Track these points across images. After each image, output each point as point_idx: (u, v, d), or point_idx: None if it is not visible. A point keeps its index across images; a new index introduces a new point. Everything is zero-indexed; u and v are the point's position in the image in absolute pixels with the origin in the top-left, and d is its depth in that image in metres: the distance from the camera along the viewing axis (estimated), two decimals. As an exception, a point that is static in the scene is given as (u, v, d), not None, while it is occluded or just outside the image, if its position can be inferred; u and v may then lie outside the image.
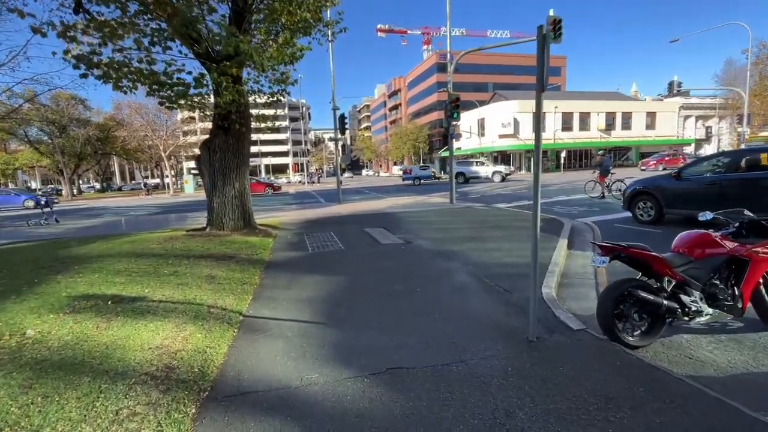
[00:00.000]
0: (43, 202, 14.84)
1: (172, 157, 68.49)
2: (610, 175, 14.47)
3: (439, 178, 36.59)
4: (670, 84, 28.58)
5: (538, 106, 3.02)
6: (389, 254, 6.70)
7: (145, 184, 38.53)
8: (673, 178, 8.06)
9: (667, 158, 34.42)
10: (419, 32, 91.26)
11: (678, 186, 7.98)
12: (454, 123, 14.06)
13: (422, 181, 32.96)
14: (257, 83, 8.61)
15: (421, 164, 37.27)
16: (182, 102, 7.34)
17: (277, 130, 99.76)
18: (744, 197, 6.79)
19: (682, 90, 29.12)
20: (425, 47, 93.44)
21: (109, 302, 4.21)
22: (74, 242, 8.29)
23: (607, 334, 3.23)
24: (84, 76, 5.82)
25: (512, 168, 41.83)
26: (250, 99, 8.69)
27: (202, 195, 32.90)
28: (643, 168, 34.67)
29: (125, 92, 7.06)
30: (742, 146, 25.28)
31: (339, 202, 17.10)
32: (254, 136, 76.14)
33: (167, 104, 7.27)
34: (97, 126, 37.02)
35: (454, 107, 13.66)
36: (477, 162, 32.73)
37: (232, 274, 5.38)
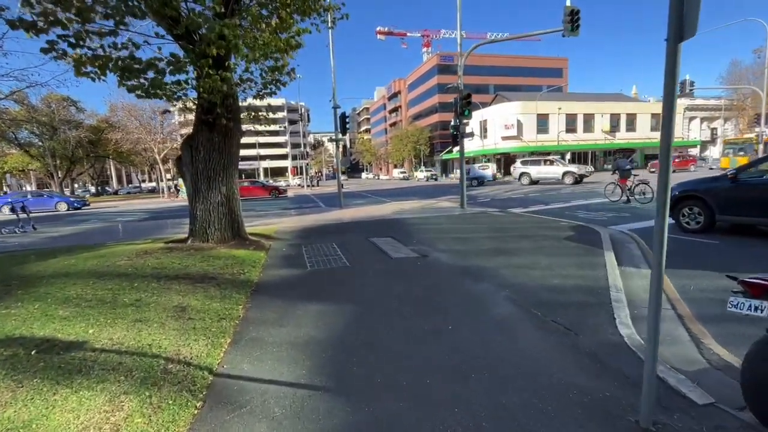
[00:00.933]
0: (19, 208, 13.69)
1: (169, 160, 67.50)
2: (632, 176, 13.17)
3: (496, 178, 30.72)
4: (682, 83, 27.58)
5: (671, 63, 1.90)
6: (404, 272, 5.58)
7: (175, 186, 36.58)
8: (728, 180, 6.99)
9: (677, 159, 33.42)
10: (419, 35, 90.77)
11: (735, 189, 6.90)
12: (465, 121, 12.98)
13: (485, 182, 28.49)
14: (248, 71, 7.48)
15: (482, 163, 32.15)
16: (158, 92, 6.24)
17: (276, 133, 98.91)
18: None
19: (695, 88, 28.14)
20: (425, 50, 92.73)
21: (34, 351, 3.08)
22: (34, 256, 7.14)
23: (762, 418, 2.10)
24: (12, 26, 4.61)
25: (591, 168, 36.68)
26: (240, 91, 7.57)
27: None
28: (652, 170, 33.67)
29: (93, 79, 5.96)
30: (760, 147, 24.32)
31: (340, 207, 15.97)
32: (252, 139, 75.38)
33: (139, 94, 6.16)
34: (90, 128, 35.92)
35: (465, 104, 12.59)
36: (545, 161, 27.38)
37: (209, 303, 4.24)
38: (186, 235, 7.73)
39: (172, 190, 34.94)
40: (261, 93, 7.36)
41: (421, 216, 11.57)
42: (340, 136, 16.07)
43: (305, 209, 16.76)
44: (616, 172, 13.39)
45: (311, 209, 16.58)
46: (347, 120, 15.92)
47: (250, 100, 8.17)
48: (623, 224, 9.00)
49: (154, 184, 59.99)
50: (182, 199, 31.33)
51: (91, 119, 37.61)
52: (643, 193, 12.67)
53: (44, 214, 22.92)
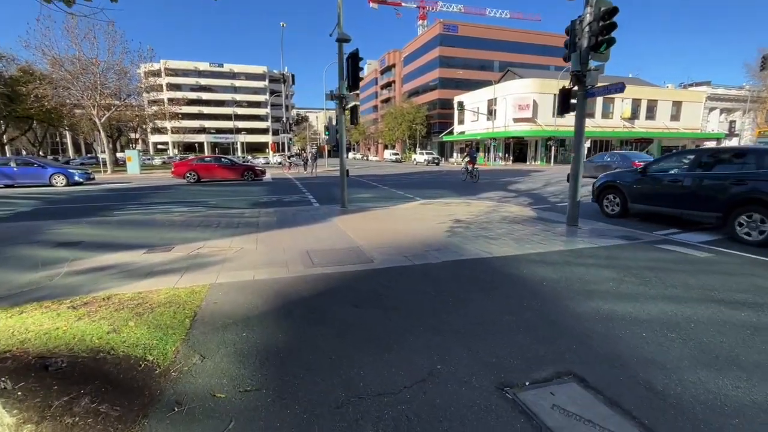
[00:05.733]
0: None
1: (139, 130, 58.29)
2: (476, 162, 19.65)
3: None
4: (765, 58, 22.20)
5: None
6: None
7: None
8: (639, 173, 7.95)
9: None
10: (414, 5, 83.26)
11: (644, 181, 7.83)
12: (596, 66, 6.88)
13: None
14: None
15: None
16: None
17: (257, 104, 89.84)
18: (700, 195, 6.74)
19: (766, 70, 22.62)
20: (420, 22, 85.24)
21: None
22: None
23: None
24: None
25: None
26: None
27: (150, 177, 24.26)
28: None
29: None
30: None
31: (343, 208, 9.80)
32: (228, 110, 67.85)
33: None
34: (9, 80, 27.75)
35: (604, 28, 6.47)
36: None
37: None
38: None
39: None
40: None
41: (537, 253, 5.53)
42: (346, 91, 9.67)
43: (286, 209, 10.48)
44: (468, 157, 19.84)
45: (296, 211, 10.29)
46: (362, 60, 9.52)
47: None
48: None
49: (121, 154, 51.02)
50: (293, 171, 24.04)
51: (12, 66, 29.17)
52: (476, 175, 19.36)
53: (34, 189, 16.66)
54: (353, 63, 9.40)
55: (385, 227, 7.36)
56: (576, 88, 7.13)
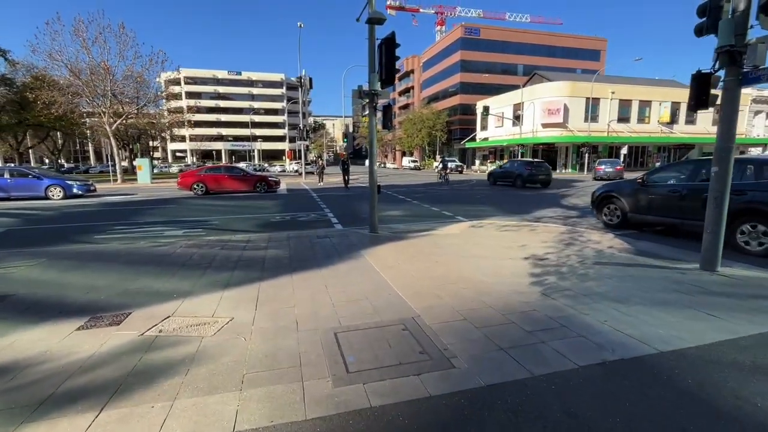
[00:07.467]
0: None
1: (159, 137, 58.06)
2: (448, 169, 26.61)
3: None
4: None
5: None
6: None
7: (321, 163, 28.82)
8: (638, 183, 7.96)
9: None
10: (432, 11, 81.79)
11: (642, 191, 7.85)
12: (761, 38, 4.64)
13: None
14: None
15: None
16: None
17: (274, 111, 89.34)
18: (700, 206, 6.32)
19: None
20: (438, 28, 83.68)
21: None
22: None
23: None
24: None
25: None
26: None
27: (159, 187, 22.64)
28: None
29: None
30: None
31: (374, 234, 7.71)
32: (246, 118, 67.26)
33: None
34: (23, 86, 26.94)
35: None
36: None
37: None
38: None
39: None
40: None
41: (730, 342, 3.30)
42: (378, 87, 7.64)
43: (302, 234, 8.46)
44: (441, 164, 25.79)
45: (315, 238, 8.25)
46: (398, 45, 7.47)
47: None
48: None
49: (134, 162, 50.60)
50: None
51: (27, 74, 28.41)
52: (447, 180, 25.06)
53: (25, 203, 15.04)
54: (388, 50, 7.35)
55: (440, 270, 5.21)
56: (724, 71, 4.89)
